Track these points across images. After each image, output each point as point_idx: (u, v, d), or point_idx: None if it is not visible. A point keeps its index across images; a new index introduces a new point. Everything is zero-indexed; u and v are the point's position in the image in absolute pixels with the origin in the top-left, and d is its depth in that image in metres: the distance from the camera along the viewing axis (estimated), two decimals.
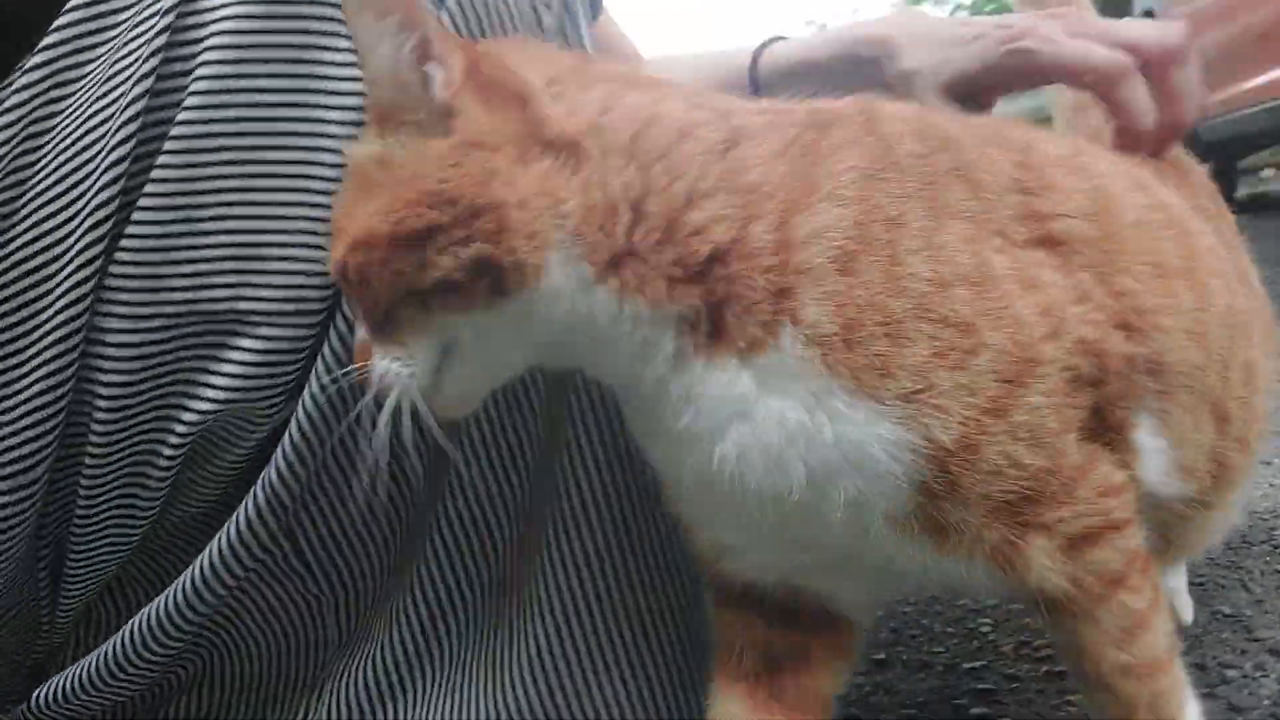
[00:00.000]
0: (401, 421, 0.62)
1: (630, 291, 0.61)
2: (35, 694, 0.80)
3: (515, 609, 0.79)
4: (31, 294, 0.72)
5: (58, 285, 0.72)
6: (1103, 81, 0.90)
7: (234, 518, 0.75)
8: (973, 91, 0.95)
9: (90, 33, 0.73)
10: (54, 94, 0.73)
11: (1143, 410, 0.68)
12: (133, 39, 0.72)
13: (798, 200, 0.61)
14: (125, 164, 0.70)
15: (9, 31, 0.75)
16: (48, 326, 0.72)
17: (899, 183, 0.63)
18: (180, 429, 0.74)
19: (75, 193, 0.72)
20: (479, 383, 0.67)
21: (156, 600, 0.77)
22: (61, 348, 0.72)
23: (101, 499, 0.76)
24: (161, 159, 0.70)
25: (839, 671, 0.73)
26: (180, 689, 0.83)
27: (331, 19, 0.71)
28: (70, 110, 0.73)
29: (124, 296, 0.72)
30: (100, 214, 0.71)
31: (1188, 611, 1.06)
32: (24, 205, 0.73)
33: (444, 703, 0.79)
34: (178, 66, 0.71)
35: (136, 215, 0.71)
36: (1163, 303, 0.68)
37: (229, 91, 0.70)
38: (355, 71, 0.71)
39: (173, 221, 0.71)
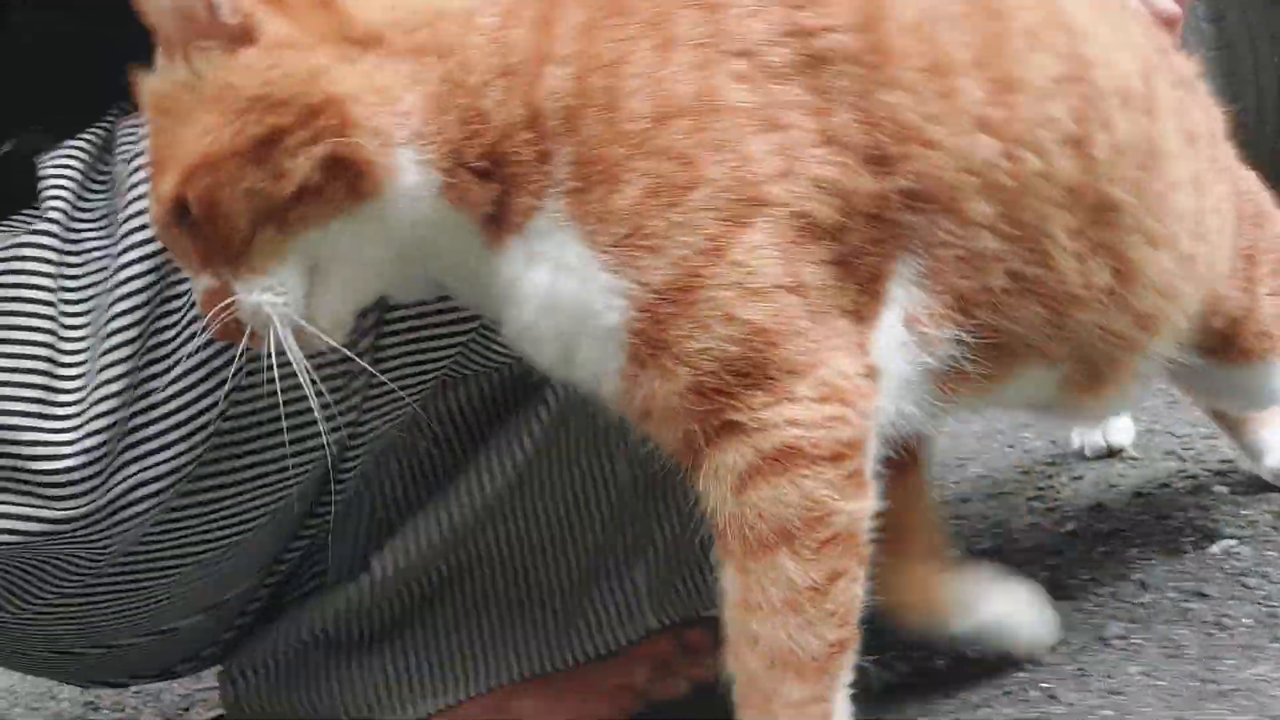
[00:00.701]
0: (290, 350, 0.59)
1: (461, 202, 0.60)
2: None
3: None
4: None
5: None
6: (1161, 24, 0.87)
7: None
8: None
9: None
10: None
11: (905, 255, 0.62)
12: None
13: (532, 70, 0.60)
14: None
15: None
16: None
17: (621, 27, 0.60)
18: None
19: None
20: (346, 302, 0.63)
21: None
22: None
23: None
24: None
25: None
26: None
27: None
28: None
29: None
30: None
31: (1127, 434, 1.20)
32: None
33: None
34: None
35: None
36: (937, 110, 0.62)
37: None
38: None
39: None
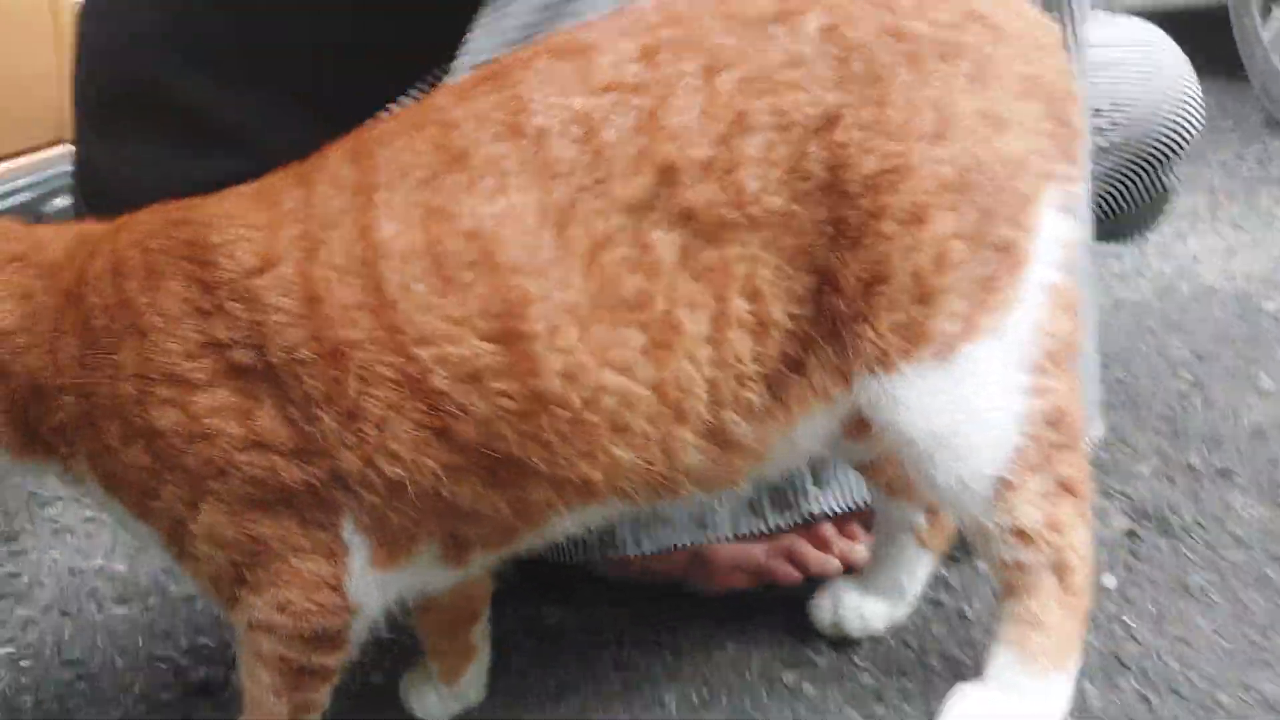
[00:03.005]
0: None
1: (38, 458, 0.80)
2: None
3: None
4: None
5: None
6: None
7: None
8: None
9: None
10: None
11: (347, 514, 0.76)
12: None
13: (48, 404, 0.77)
14: None
15: None
16: None
17: (92, 357, 0.75)
18: None
19: None
20: None
21: None
22: None
23: None
24: None
25: None
26: None
27: None
28: None
29: None
30: None
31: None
32: None
33: None
34: None
35: None
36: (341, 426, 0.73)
37: None
38: None
39: None
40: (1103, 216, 1.38)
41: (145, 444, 0.74)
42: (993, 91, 0.75)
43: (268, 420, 0.73)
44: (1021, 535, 0.78)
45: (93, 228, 0.82)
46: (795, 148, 0.72)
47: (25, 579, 1.33)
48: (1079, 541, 0.79)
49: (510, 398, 0.72)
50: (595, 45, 0.75)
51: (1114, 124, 1.28)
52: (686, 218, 0.72)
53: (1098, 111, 1.28)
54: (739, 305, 0.73)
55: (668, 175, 0.72)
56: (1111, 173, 1.33)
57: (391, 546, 0.78)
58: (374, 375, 0.71)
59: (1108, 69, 1.29)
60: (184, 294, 0.73)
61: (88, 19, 1.03)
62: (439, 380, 0.71)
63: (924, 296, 0.74)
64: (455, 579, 0.85)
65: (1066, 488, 0.79)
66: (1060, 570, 0.79)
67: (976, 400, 0.76)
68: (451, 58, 0.89)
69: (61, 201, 2.07)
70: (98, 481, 0.78)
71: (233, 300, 0.73)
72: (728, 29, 0.74)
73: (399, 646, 1.03)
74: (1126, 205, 1.37)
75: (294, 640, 0.78)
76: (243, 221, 0.74)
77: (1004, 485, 0.77)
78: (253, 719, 0.82)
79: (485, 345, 0.71)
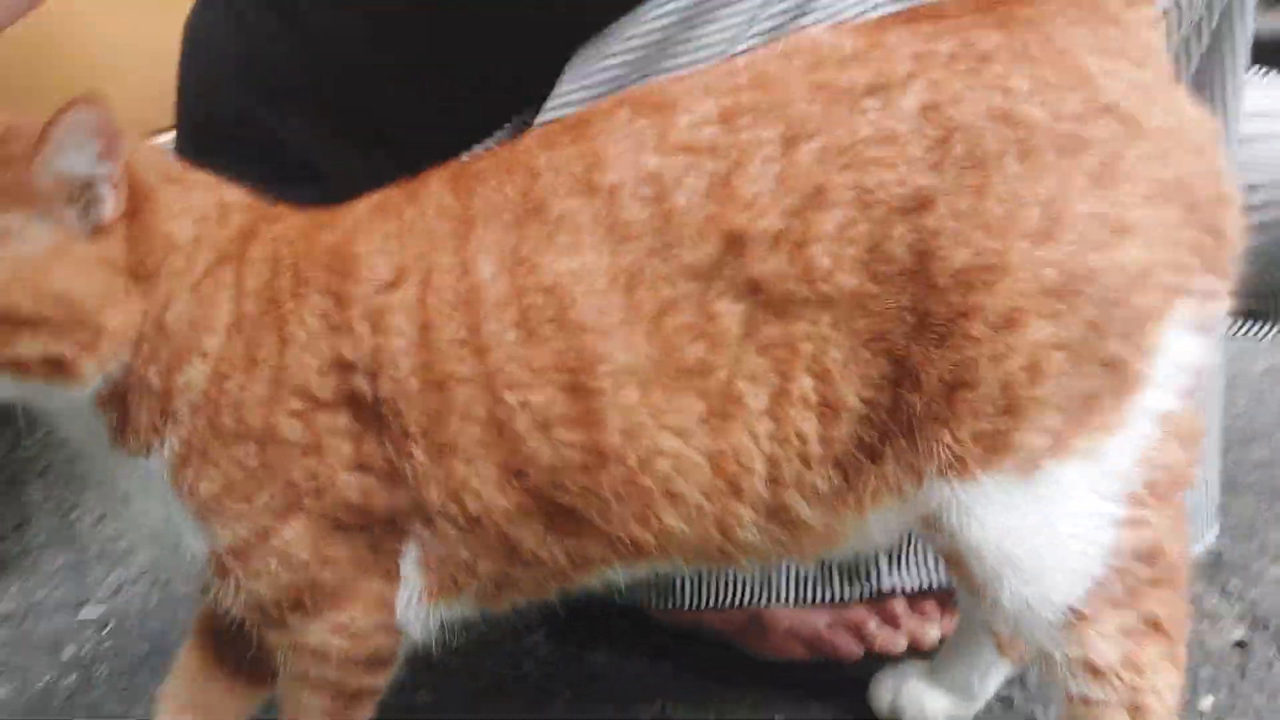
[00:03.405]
0: None
1: (103, 408, 0.75)
2: None
3: None
4: None
5: None
6: None
7: None
8: None
9: None
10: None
11: (411, 542, 0.77)
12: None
13: (181, 352, 0.73)
14: None
15: None
16: None
17: (240, 337, 0.74)
18: None
19: None
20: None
21: None
22: None
23: None
24: None
25: None
26: None
27: None
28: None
29: None
30: None
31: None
32: None
33: None
34: None
35: None
36: (440, 423, 0.73)
37: None
38: None
39: None
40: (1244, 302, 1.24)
41: (259, 446, 0.74)
42: (1118, 194, 0.68)
43: (372, 445, 0.74)
44: (1092, 669, 0.72)
45: (257, 201, 0.81)
46: (877, 227, 0.68)
47: (126, 541, 1.39)
48: (1163, 685, 0.72)
49: (574, 448, 0.72)
50: (676, 102, 0.72)
51: (1265, 202, 1.16)
52: (753, 289, 0.69)
53: (1251, 188, 1.15)
54: (804, 384, 0.70)
55: (735, 244, 0.69)
56: (1258, 255, 1.19)
57: (445, 581, 0.79)
58: (471, 414, 0.73)
59: (1263, 141, 1.16)
60: (323, 307, 0.74)
61: (186, 44, 1.07)
62: (520, 424, 0.72)
63: (1012, 407, 0.68)
64: (486, 614, 0.85)
65: (1155, 626, 0.72)
66: (1135, 712, 0.72)
67: (1056, 524, 0.70)
68: (529, 106, 0.87)
69: None
70: (169, 464, 0.75)
71: (362, 319, 0.73)
72: (815, 97, 0.70)
73: (445, 666, 1.03)
74: (1274, 291, 1.23)
75: (348, 664, 0.79)
76: (380, 230, 0.75)
77: (1076, 616, 0.71)
78: None
79: (559, 395, 0.71)
